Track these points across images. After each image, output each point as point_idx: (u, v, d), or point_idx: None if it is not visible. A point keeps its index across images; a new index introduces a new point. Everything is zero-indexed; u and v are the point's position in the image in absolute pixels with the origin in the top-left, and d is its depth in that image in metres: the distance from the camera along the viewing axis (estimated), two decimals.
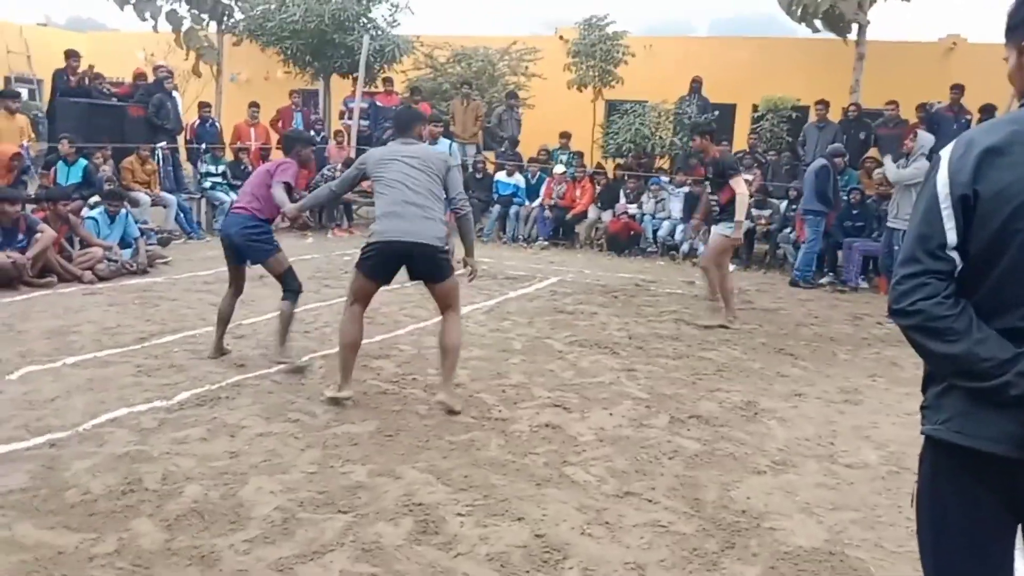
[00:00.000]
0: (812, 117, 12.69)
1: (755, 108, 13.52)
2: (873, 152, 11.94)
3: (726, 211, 7.17)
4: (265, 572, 2.88)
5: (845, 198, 10.55)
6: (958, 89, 12.02)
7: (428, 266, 4.69)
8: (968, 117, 11.76)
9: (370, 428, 4.33)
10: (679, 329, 7.19)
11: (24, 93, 11.86)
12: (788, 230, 11.12)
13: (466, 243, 4.97)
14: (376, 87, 15.14)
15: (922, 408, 1.83)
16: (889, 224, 9.02)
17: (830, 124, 12.32)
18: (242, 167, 11.97)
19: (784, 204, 11.39)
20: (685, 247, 11.69)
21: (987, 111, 11.52)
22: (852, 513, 3.63)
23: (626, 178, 12.70)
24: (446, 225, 4.84)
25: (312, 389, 4.91)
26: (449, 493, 3.60)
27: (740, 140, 13.92)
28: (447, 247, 4.81)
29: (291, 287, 5.46)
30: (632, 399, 5.09)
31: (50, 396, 4.56)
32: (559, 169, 12.64)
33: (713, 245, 7.37)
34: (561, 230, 12.71)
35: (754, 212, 11.33)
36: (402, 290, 8.29)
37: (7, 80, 12.63)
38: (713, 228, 7.39)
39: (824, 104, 12.31)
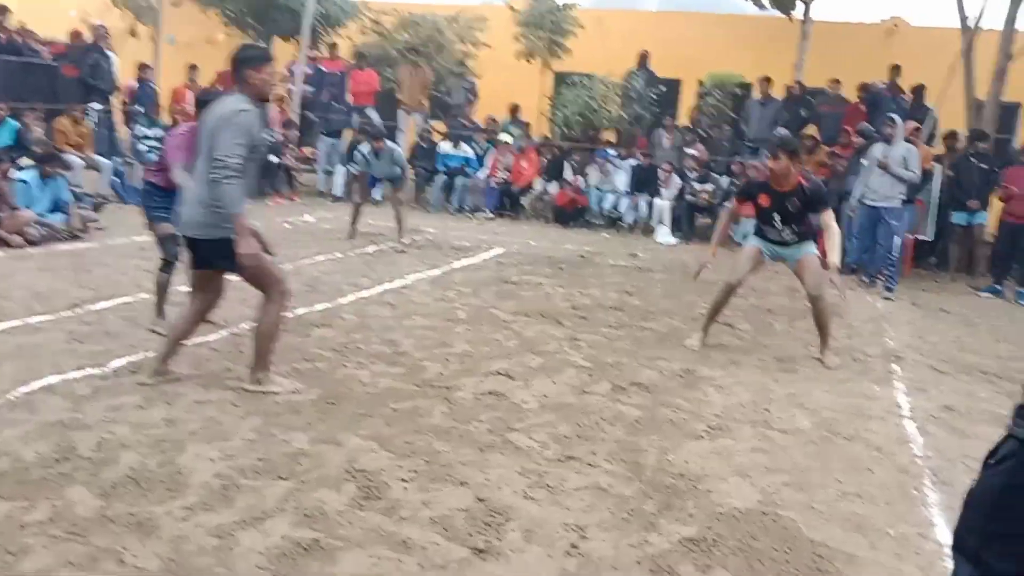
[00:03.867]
0: (756, 93, 12.87)
1: (701, 84, 13.64)
2: (812, 130, 12.19)
3: (803, 234, 5.70)
4: (205, 538, 2.85)
5: None
6: (896, 70, 12.32)
7: (214, 257, 4.19)
8: (904, 97, 12.07)
9: (312, 396, 4.30)
10: (622, 300, 7.27)
11: None
12: (729, 204, 11.29)
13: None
14: (320, 52, 14.85)
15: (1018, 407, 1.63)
16: (866, 202, 8.90)
17: (773, 101, 12.52)
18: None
19: (726, 180, 11.56)
20: (630, 219, 11.83)
21: (918, 92, 11.88)
22: (784, 476, 3.75)
23: (572, 151, 12.73)
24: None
25: (251, 356, 4.83)
26: (392, 459, 3.60)
27: (684, 115, 14.05)
28: (229, 235, 4.07)
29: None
30: (575, 367, 5.15)
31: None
32: (505, 139, 12.59)
33: (815, 266, 5.63)
34: (507, 202, 12.70)
35: (697, 187, 11.50)
36: (345, 259, 8.23)
37: None
38: (795, 251, 5.72)
39: (768, 81, 12.49)
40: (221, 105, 4.13)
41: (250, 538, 2.87)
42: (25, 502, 3.01)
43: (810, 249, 5.68)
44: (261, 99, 4.25)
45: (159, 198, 5.33)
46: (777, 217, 5.61)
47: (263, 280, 4.30)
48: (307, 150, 13.77)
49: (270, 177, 12.46)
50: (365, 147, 9.58)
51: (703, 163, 11.80)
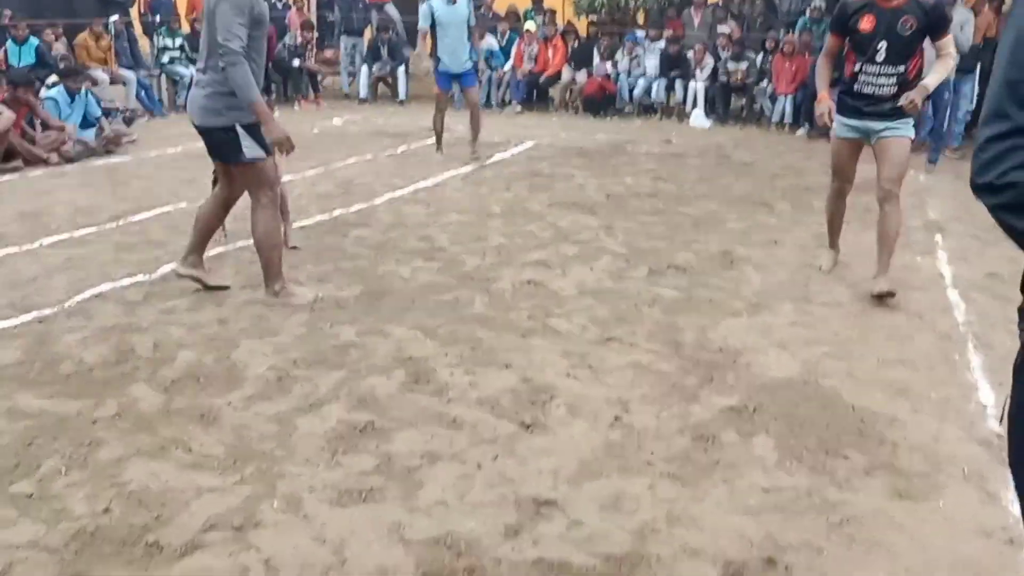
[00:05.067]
0: None
1: None
2: None
3: (905, 84, 4.33)
4: (265, 425, 2.99)
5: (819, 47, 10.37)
6: None
7: (214, 147, 4.11)
8: None
9: (355, 292, 4.39)
10: (656, 186, 7.21)
11: None
12: (765, 82, 10.98)
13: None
14: None
15: (1020, 311, 1.45)
16: None
17: None
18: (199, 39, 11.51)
19: (760, 56, 11.19)
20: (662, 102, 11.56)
21: None
22: (825, 347, 3.79)
23: (600, 36, 12.36)
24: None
25: (295, 257, 4.93)
26: (437, 347, 3.70)
27: None
28: (231, 123, 3.97)
29: None
30: (611, 254, 5.17)
31: (31, 276, 4.56)
32: (530, 27, 12.25)
33: (901, 157, 4.41)
34: (535, 93, 12.46)
35: (730, 66, 11.16)
36: (375, 161, 8.23)
37: None
38: (886, 127, 4.38)
39: None
40: None
41: (308, 423, 3.01)
42: (92, 400, 3.16)
43: (907, 131, 4.40)
44: None
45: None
46: (882, 47, 4.25)
47: (251, 180, 4.11)
48: (328, 52, 13.56)
49: (294, 81, 12.34)
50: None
51: (736, 41, 11.40)
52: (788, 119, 10.64)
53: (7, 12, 10.17)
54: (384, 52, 12.59)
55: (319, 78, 12.87)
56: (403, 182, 7.20)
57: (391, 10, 13.51)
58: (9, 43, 9.73)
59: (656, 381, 3.42)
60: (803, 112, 10.45)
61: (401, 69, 12.62)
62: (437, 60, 7.90)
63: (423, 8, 7.87)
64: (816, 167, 8.15)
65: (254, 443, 2.88)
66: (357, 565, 2.28)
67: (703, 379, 3.45)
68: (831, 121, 4.44)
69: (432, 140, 8.65)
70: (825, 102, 4.45)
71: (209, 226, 4.33)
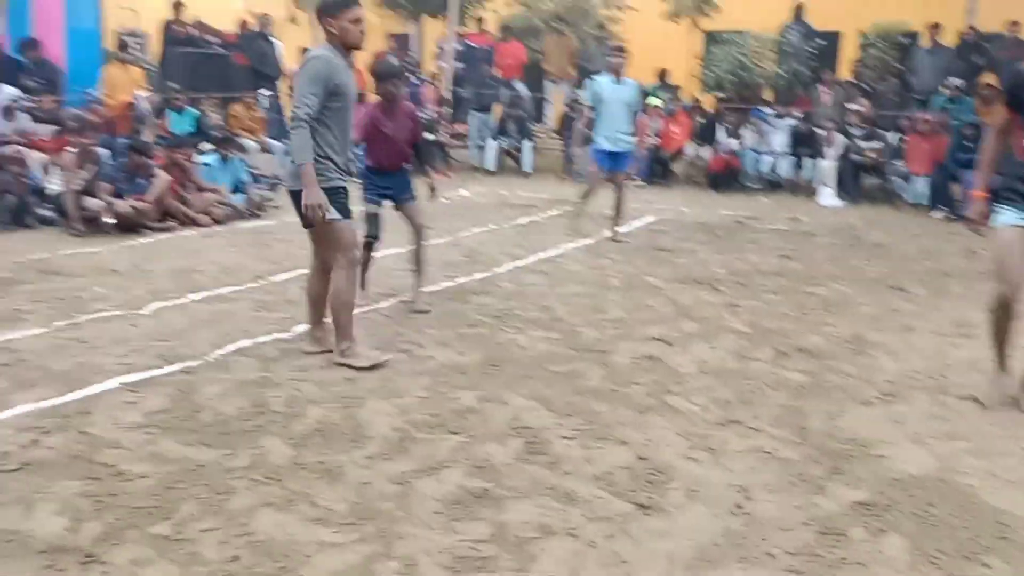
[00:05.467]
0: (924, 42, 12.01)
1: (863, 35, 12.86)
2: (990, 79, 11.25)
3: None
4: (385, 484, 3.08)
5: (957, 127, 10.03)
6: None
7: (299, 210, 4.24)
8: None
9: (476, 359, 4.48)
10: (783, 265, 7.06)
11: (131, 45, 12.38)
12: (899, 162, 10.66)
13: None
14: (468, 28, 15.11)
15: None
16: None
17: (943, 49, 11.64)
18: None
19: (894, 136, 10.90)
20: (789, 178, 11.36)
21: None
22: (964, 443, 3.57)
23: (725, 112, 12.36)
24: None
25: (419, 322, 5.10)
26: (554, 418, 3.72)
27: (845, 69, 13.30)
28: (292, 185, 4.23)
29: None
30: (735, 333, 5.08)
31: (179, 328, 4.89)
32: (654, 102, 12.38)
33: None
34: (658, 168, 12.52)
35: (862, 144, 10.91)
36: (499, 230, 8.43)
37: (117, 34, 13.20)
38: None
39: (936, 27, 11.61)
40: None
41: (426, 485, 3.07)
42: (229, 450, 3.34)
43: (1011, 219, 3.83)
44: (346, 46, 4.17)
45: (367, 178, 5.56)
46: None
47: (329, 241, 4.28)
48: (459, 126, 14.11)
49: (427, 154, 12.87)
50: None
51: (868, 119, 11.16)
52: (924, 200, 10.25)
53: (172, 85, 11.15)
54: (511, 127, 13.00)
55: (449, 151, 13.39)
56: (525, 252, 7.34)
57: (520, 86, 13.99)
58: (171, 112, 10.63)
59: (780, 469, 3.31)
60: (940, 194, 10.07)
61: (527, 143, 12.99)
62: (590, 139, 7.90)
63: (589, 85, 7.96)
64: (954, 251, 7.81)
65: (375, 502, 2.96)
66: None
67: (831, 470, 3.31)
68: (983, 224, 3.94)
69: (556, 211, 8.80)
70: (980, 202, 3.93)
71: (320, 298, 4.52)
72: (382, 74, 5.37)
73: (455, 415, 3.72)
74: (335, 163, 4.22)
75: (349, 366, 4.25)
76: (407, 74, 13.53)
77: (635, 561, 2.65)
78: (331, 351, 4.46)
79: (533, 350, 4.66)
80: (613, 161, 7.90)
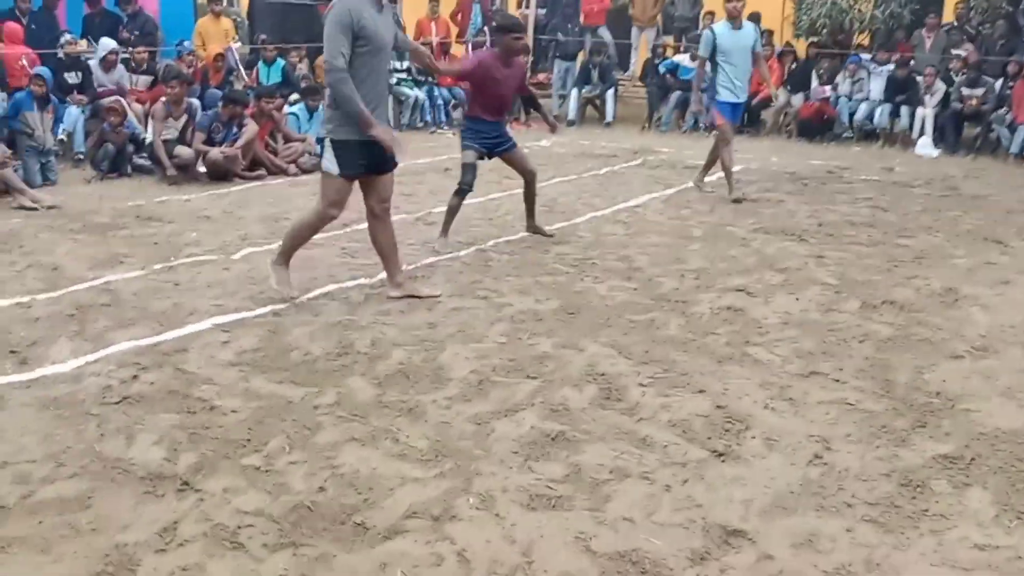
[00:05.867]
0: None
1: None
2: None
3: None
4: (465, 424, 3.17)
5: None
6: None
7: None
8: None
9: (553, 306, 4.51)
10: (874, 216, 6.82)
11: (224, 0, 12.66)
12: (1003, 110, 10.07)
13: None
14: None
15: None
16: None
17: None
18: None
19: (999, 82, 10.28)
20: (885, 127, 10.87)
21: None
22: None
23: (819, 57, 11.87)
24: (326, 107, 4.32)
25: (497, 270, 5.16)
26: (631, 365, 3.73)
27: (949, 12, 12.55)
28: (326, 135, 4.32)
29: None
30: (821, 284, 4.96)
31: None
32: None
33: None
34: (746, 116, 12.14)
35: (965, 91, 10.35)
36: (578, 180, 8.38)
37: None
38: None
39: None
40: None
41: (504, 427, 3.15)
42: (316, 388, 3.48)
43: None
44: None
45: (470, 129, 5.70)
46: None
47: (323, 190, 4.37)
48: (542, 75, 13.97)
49: (536, 103, 12.79)
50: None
51: (973, 65, 10.55)
52: None
53: (261, 36, 11.37)
54: (595, 75, 12.79)
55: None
56: (605, 203, 7.28)
57: (604, 33, 13.72)
58: (260, 63, 10.86)
59: (863, 421, 3.25)
60: None
61: (610, 92, 12.77)
62: (714, 91, 7.33)
63: (705, 34, 7.46)
64: None
65: (454, 440, 3.05)
66: (543, 568, 2.36)
67: (915, 423, 3.24)
68: None
69: (637, 161, 8.62)
70: None
71: (385, 245, 4.58)
72: (502, 27, 5.62)
73: (532, 360, 3.77)
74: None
75: (270, 285, 4.48)
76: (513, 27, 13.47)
77: (709, 505, 2.67)
78: (414, 295, 4.57)
79: (611, 299, 4.66)
80: (735, 112, 7.52)
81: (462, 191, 5.63)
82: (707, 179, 7.90)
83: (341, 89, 4.05)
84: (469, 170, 5.58)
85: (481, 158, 5.65)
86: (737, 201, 7.26)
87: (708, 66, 7.35)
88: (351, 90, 4.04)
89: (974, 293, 4.82)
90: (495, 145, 5.68)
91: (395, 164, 4.43)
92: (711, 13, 13.08)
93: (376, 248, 4.64)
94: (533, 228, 6.04)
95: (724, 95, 7.31)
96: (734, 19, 7.19)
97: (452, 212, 5.71)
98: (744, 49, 7.24)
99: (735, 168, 7.62)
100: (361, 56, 4.08)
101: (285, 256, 4.56)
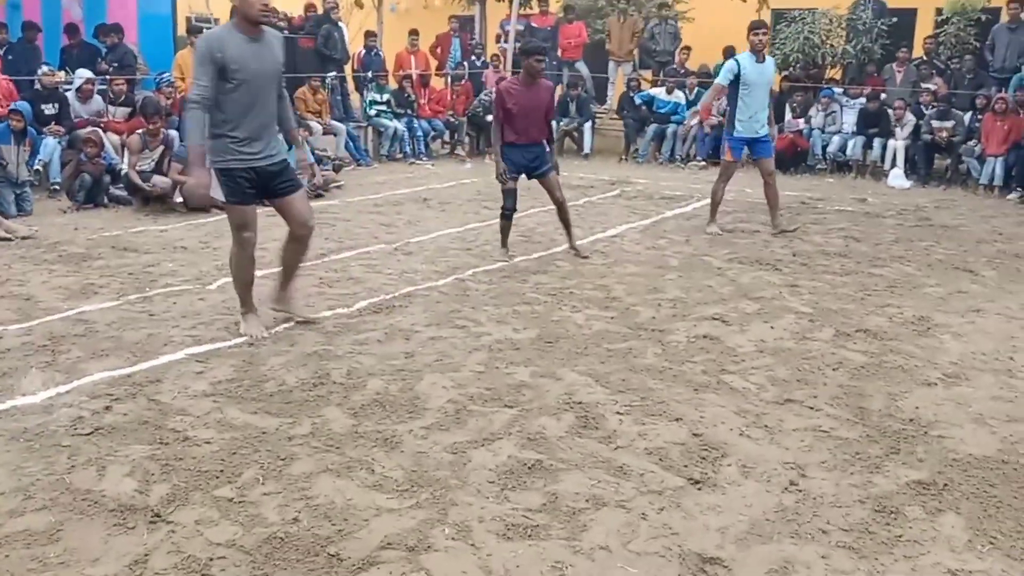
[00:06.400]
0: (1004, 17, 11.52)
1: (939, 12, 12.40)
2: None
3: None
4: (441, 454, 3.15)
5: None
6: None
7: None
8: None
9: (531, 335, 4.52)
10: (847, 246, 6.92)
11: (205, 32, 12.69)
12: (972, 142, 10.29)
13: None
14: (531, 8, 15.06)
15: None
16: None
17: None
18: (405, 95, 12.35)
19: (968, 115, 10.52)
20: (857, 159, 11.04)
21: None
22: None
23: (792, 91, 12.08)
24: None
25: (475, 299, 5.16)
26: (608, 394, 3.74)
27: (918, 47, 12.85)
28: (211, 165, 4.33)
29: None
30: (795, 313, 5.01)
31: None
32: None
33: None
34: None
35: (935, 123, 10.57)
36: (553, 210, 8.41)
37: (188, 20, 13.54)
38: None
39: (1019, 3, 11.12)
40: None
41: (481, 456, 3.13)
42: (291, 419, 3.46)
43: None
44: (249, 21, 4.11)
45: (505, 155, 6.07)
46: None
47: (228, 220, 4.45)
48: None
49: (486, 135, 12.92)
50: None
51: (942, 98, 10.78)
52: (998, 182, 9.89)
53: None
54: (572, 108, 12.95)
55: None
56: (583, 233, 7.32)
57: (581, 67, 13.91)
58: None
59: (837, 448, 3.27)
60: (1015, 175, 9.71)
61: (588, 124, 12.92)
62: (730, 126, 7.20)
63: (729, 64, 7.19)
64: None
65: (431, 470, 3.03)
66: None
67: (889, 449, 3.26)
68: None
69: (614, 192, 8.70)
70: None
71: (292, 264, 4.66)
72: (526, 50, 6.05)
73: (510, 389, 3.77)
74: (231, 144, 4.17)
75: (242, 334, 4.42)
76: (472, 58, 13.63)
77: (686, 533, 2.67)
78: (294, 314, 4.66)
79: (588, 328, 4.68)
80: (758, 148, 7.27)
81: (504, 215, 6.24)
82: (784, 224, 7.52)
83: (190, 120, 4.13)
84: (508, 195, 6.14)
85: (517, 180, 6.15)
86: (710, 235, 7.27)
87: (723, 99, 7.35)
88: (195, 122, 4.10)
89: (946, 321, 4.88)
90: (531, 168, 6.14)
91: (297, 186, 4.53)
92: (687, 48, 13.34)
93: (282, 261, 4.67)
94: (573, 249, 6.45)
95: (740, 130, 7.13)
96: (758, 52, 7.02)
97: (504, 230, 6.35)
98: (766, 84, 7.14)
99: (708, 201, 7.68)
100: (234, 89, 4.10)
101: (243, 301, 4.54)
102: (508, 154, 6.03)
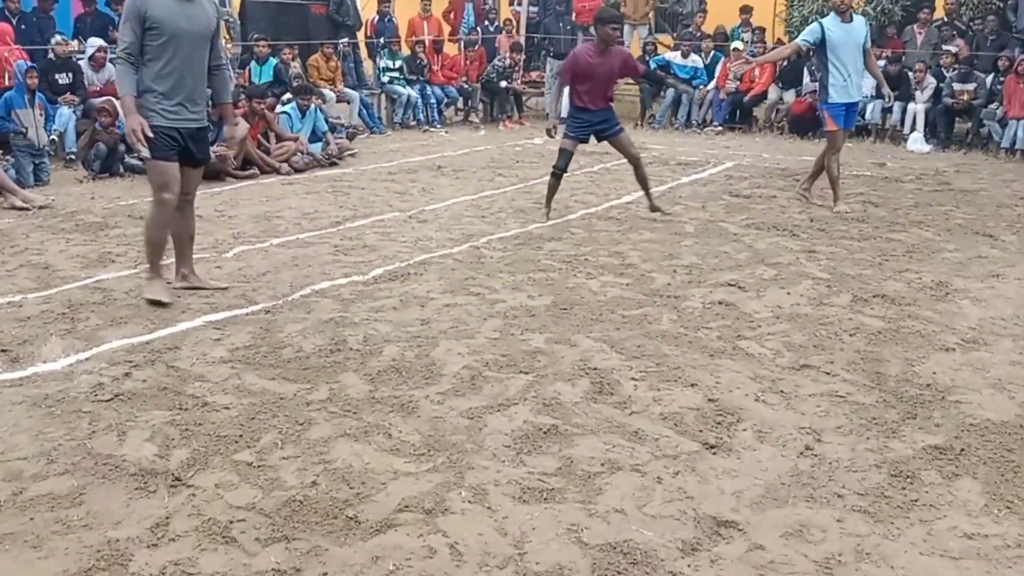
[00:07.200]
0: None
1: None
2: None
3: None
4: (457, 419, 3.17)
5: None
6: None
7: None
8: None
9: (546, 302, 4.52)
10: (865, 211, 6.85)
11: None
12: (994, 105, 10.11)
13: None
14: None
15: None
16: None
17: None
18: (418, 61, 12.25)
19: (990, 77, 10.32)
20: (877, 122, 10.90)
21: None
22: None
23: (811, 54, 11.86)
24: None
25: (490, 267, 5.16)
26: (623, 360, 3.74)
27: (940, 8, 12.58)
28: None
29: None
30: (812, 279, 4.98)
31: (261, 271, 5.07)
32: (737, 45, 11.99)
33: None
34: (738, 113, 12.18)
35: (956, 86, 10.39)
36: (571, 177, 8.37)
37: None
38: None
39: None
40: None
41: (496, 421, 3.15)
42: (308, 384, 3.48)
43: None
44: None
45: (573, 117, 6.40)
46: None
47: (149, 179, 4.44)
48: (534, 73, 13.97)
49: (500, 101, 12.84)
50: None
51: (964, 60, 10.59)
52: (1020, 145, 9.73)
53: (252, 36, 11.35)
54: None
55: (524, 99, 13.31)
56: (597, 199, 7.30)
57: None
58: (252, 63, 10.84)
59: (853, 413, 3.27)
60: None
61: None
62: (825, 92, 6.78)
63: (811, 27, 6.84)
64: None
65: (447, 435, 3.05)
66: (535, 560, 2.37)
67: (905, 414, 3.25)
68: None
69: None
70: None
71: (182, 235, 4.60)
72: (600, 19, 6.25)
73: (525, 356, 3.77)
74: (158, 100, 4.22)
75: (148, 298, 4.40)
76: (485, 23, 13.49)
77: (700, 496, 2.68)
78: (200, 287, 4.64)
79: (603, 295, 4.67)
80: (849, 114, 6.93)
81: (555, 173, 6.40)
82: (688, 171, 7.77)
83: (119, 73, 4.22)
84: (563, 155, 6.34)
85: (578, 144, 6.40)
86: (840, 213, 6.69)
87: (813, 61, 7.29)
88: (122, 75, 4.19)
89: (965, 286, 4.84)
90: (601, 130, 6.37)
91: (205, 159, 4.57)
92: (704, 11, 13.13)
93: (172, 235, 4.59)
94: (652, 207, 6.60)
95: (836, 96, 6.71)
96: (842, 13, 6.63)
97: (551, 190, 6.51)
98: (856, 45, 6.68)
99: (725, 166, 7.63)
100: (158, 46, 4.17)
101: (151, 265, 4.51)
102: (578, 116, 6.31)
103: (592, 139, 6.49)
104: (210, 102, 4.72)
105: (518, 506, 2.62)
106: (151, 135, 4.21)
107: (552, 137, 6.57)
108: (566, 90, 6.62)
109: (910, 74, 10.78)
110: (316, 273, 5.00)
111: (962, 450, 2.96)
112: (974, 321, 4.28)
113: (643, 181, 6.56)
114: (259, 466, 2.86)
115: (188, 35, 4.23)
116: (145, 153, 4.30)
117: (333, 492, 2.69)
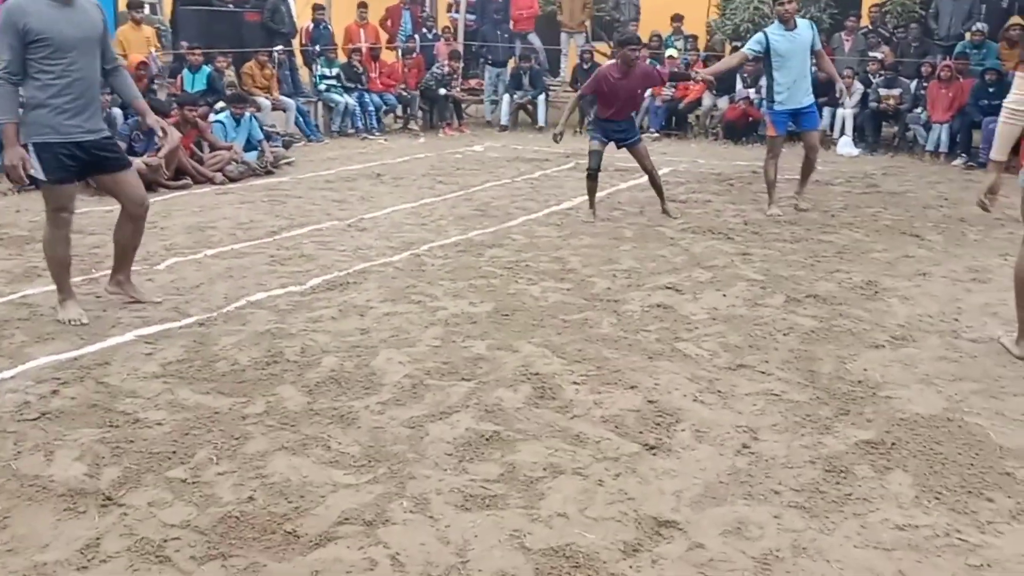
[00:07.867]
0: None
1: None
2: (1017, 19, 10.97)
3: None
4: (399, 429, 3.14)
5: (980, 73, 9.84)
6: None
7: None
8: None
9: (487, 309, 4.51)
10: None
11: (147, 8, 12.29)
12: (919, 110, 10.49)
13: None
14: None
15: None
16: None
17: None
18: (355, 69, 12.15)
19: (914, 83, 10.70)
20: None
21: None
22: (973, 384, 3.58)
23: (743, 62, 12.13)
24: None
25: (431, 274, 5.13)
26: (564, 364, 3.75)
27: (865, 16, 13.00)
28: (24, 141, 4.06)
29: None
30: (747, 281, 5.07)
31: (195, 283, 4.95)
32: (671, 53, 12.20)
33: None
34: (674, 119, 12.38)
35: (882, 91, 10.73)
36: (511, 184, 8.41)
37: None
38: None
39: None
40: None
41: (438, 429, 3.13)
42: (244, 398, 3.41)
43: None
44: None
45: (597, 125, 6.86)
46: None
47: (44, 200, 4.19)
48: (473, 81, 14.00)
49: (439, 109, 12.82)
50: None
51: (889, 66, 10.95)
52: (944, 148, 10.10)
53: (183, 44, 11.12)
54: (526, 80, 12.88)
55: (464, 106, 13.31)
56: (538, 206, 7.34)
57: (534, 39, 13.83)
58: (185, 71, 10.62)
59: (788, 410, 3.34)
60: (960, 141, 9.93)
61: (541, 97, 12.88)
62: (770, 99, 6.96)
63: (756, 37, 6.93)
64: (971, 198, 7.64)
65: (388, 445, 3.02)
66: (478, 567, 2.35)
67: (838, 411, 3.33)
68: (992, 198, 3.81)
69: (569, 165, 8.70)
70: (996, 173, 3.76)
71: (128, 245, 4.47)
72: (621, 41, 6.55)
73: (466, 363, 3.76)
74: (52, 114, 3.96)
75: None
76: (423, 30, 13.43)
77: (641, 498, 2.70)
78: (133, 297, 4.53)
79: (544, 300, 4.69)
80: (804, 120, 7.01)
81: (590, 175, 6.68)
82: (801, 202, 7.26)
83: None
84: (594, 156, 6.62)
85: (605, 145, 6.69)
86: (772, 216, 6.84)
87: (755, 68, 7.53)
88: (3, 100, 3.89)
89: (893, 285, 4.99)
90: (621, 138, 6.70)
91: (126, 163, 4.36)
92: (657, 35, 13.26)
93: (115, 242, 4.47)
94: (666, 212, 6.86)
95: (780, 102, 6.83)
96: (786, 21, 6.73)
97: (591, 191, 6.77)
98: (803, 50, 6.77)
99: (661, 172, 7.74)
100: (44, 59, 3.89)
101: (60, 286, 4.30)
102: (602, 125, 6.70)
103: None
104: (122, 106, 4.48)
105: (460, 514, 2.60)
106: (32, 171, 3.98)
107: (557, 143, 6.95)
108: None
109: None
110: (251, 284, 4.90)
111: (893, 444, 3.04)
112: (903, 319, 4.41)
113: (658, 189, 6.86)
114: (193, 483, 2.78)
115: (76, 42, 3.95)
116: (38, 176, 4.06)
117: (271, 507, 2.64)
